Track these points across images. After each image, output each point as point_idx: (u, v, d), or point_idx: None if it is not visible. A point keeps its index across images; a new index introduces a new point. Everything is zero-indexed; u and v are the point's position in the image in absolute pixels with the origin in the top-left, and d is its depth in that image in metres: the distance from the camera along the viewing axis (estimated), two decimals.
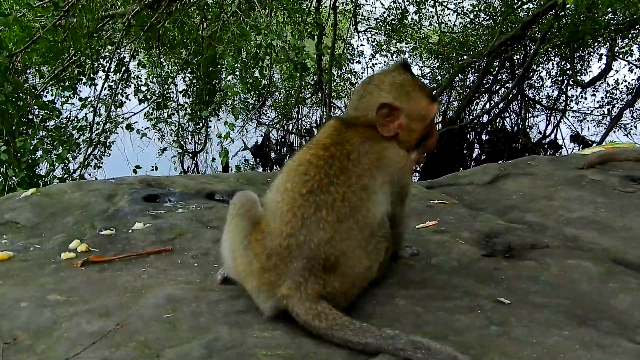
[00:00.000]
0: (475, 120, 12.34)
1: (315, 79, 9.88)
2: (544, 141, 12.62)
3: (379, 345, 1.42)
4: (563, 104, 12.65)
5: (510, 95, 11.96)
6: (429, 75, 12.52)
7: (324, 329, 1.48)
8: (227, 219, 1.78)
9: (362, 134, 1.79)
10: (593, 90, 12.38)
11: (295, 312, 1.54)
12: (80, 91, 9.05)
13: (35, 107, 7.63)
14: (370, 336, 1.43)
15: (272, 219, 1.65)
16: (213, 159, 11.09)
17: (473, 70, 12.01)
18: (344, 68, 11.04)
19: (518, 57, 11.84)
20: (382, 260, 1.75)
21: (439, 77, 12.17)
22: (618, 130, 11.31)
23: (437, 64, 12.43)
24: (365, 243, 1.66)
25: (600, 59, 12.17)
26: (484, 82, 11.97)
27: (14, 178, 6.12)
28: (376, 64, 12.30)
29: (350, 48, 12.43)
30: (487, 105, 12.57)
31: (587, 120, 12.34)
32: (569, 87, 12.68)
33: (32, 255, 2.18)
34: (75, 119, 8.68)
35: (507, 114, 12.75)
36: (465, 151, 12.83)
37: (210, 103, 10.36)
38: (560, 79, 12.62)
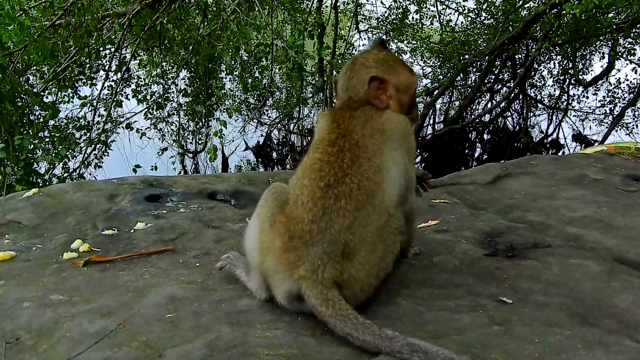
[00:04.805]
0: (477, 120, 12.30)
1: (317, 79, 9.85)
2: (545, 140, 12.58)
3: (377, 345, 1.42)
4: (565, 103, 12.60)
5: (512, 95, 11.91)
6: (430, 74, 12.49)
7: (329, 316, 1.51)
8: (260, 202, 1.83)
9: (360, 116, 1.85)
10: (595, 90, 12.33)
11: (307, 294, 1.57)
12: (80, 90, 9.04)
13: (36, 106, 7.63)
14: (369, 334, 1.44)
15: (295, 207, 1.71)
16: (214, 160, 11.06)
17: (475, 70, 11.97)
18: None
19: (520, 56, 11.80)
20: (396, 252, 1.79)
21: (441, 77, 12.13)
22: (620, 129, 11.27)
23: (439, 64, 12.40)
24: (382, 232, 1.71)
25: (602, 58, 12.12)
26: (486, 81, 11.92)
27: (13, 177, 6.11)
28: None
29: (351, 48, 12.40)
30: (489, 105, 12.53)
31: (589, 120, 12.28)
32: (570, 86, 12.64)
33: (34, 255, 2.19)
34: (76, 119, 8.68)
35: (509, 114, 12.71)
36: (467, 151, 12.80)
37: (208, 101, 10.34)
38: (562, 78, 12.57)
